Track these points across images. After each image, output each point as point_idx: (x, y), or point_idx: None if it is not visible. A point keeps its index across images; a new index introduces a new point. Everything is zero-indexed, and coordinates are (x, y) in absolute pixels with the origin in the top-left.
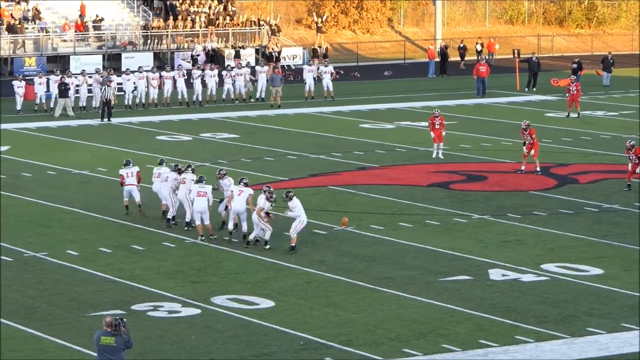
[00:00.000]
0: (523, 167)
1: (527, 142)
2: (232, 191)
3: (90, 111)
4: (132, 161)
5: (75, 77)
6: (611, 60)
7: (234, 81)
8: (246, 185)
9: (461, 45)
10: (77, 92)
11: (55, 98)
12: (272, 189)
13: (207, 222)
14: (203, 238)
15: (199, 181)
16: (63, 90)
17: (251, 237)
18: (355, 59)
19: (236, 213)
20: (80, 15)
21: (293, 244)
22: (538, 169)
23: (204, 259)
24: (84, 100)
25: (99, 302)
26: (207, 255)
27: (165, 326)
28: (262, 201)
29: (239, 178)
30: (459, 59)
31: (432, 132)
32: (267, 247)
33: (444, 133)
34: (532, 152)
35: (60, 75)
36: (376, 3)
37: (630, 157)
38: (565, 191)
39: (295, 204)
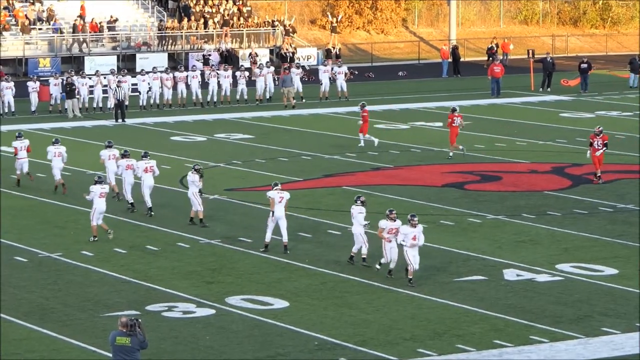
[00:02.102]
0: (451, 154)
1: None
2: (272, 198)
3: (106, 112)
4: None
5: (90, 78)
6: (639, 62)
7: (256, 82)
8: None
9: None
10: (91, 92)
11: (56, 99)
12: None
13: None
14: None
15: (98, 182)
16: (69, 92)
17: (391, 265)
18: (370, 59)
19: (277, 219)
20: (80, 16)
21: (411, 276)
22: (451, 154)
23: (218, 259)
24: (99, 100)
25: (113, 303)
26: (221, 256)
27: (180, 326)
28: (382, 222)
29: (272, 183)
30: (472, 59)
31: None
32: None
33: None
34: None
35: (67, 76)
36: (390, 3)
37: (596, 143)
38: (580, 191)
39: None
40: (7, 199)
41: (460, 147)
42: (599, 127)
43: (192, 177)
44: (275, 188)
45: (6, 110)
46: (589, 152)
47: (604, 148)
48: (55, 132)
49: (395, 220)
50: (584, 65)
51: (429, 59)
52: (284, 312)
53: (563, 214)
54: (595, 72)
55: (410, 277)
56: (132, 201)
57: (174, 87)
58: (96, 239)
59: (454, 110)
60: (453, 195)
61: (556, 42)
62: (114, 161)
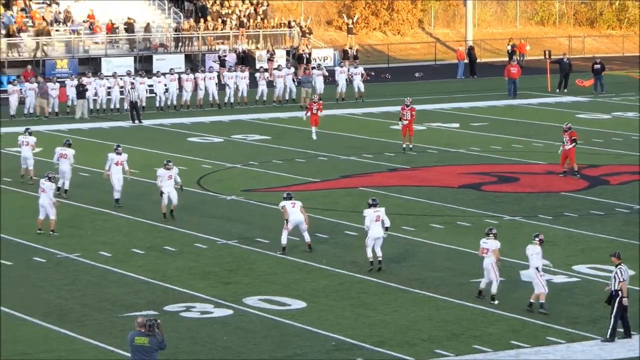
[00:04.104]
0: (404, 145)
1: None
2: (284, 206)
3: (123, 113)
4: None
5: (107, 79)
6: None
7: (275, 83)
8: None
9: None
10: (108, 94)
11: (73, 100)
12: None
13: (52, 217)
14: (41, 231)
15: (48, 179)
16: (81, 92)
17: (493, 290)
18: (386, 60)
19: (295, 224)
20: (88, 21)
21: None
22: (405, 145)
23: (235, 260)
24: (116, 102)
25: (131, 303)
26: (238, 257)
27: (197, 327)
28: (492, 243)
29: (284, 194)
30: (488, 60)
31: (309, 114)
32: (496, 302)
33: (321, 114)
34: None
35: (78, 77)
36: (407, 4)
37: (564, 140)
38: (597, 192)
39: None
40: (24, 199)
41: (411, 145)
42: (567, 124)
43: (159, 172)
44: (290, 198)
45: (28, 111)
46: (561, 148)
47: (574, 144)
48: (73, 134)
49: (488, 239)
50: (597, 66)
51: (445, 60)
52: (302, 313)
53: (579, 215)
54: (612, 73)
55: (542, 301)
56: (59, 186)
57: (195, 89)
58: (41, 232)
59: (410, 105)
60: (470, 196)
61: (573, 43)
62: (29, 148)
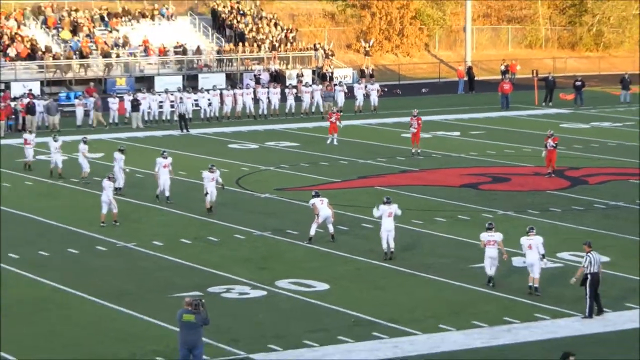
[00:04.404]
0: (413, 150)
1: (413, 129)
2: (314, 203)
3: (173, 123)
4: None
5: (159, 95)
6: (628, 80)
7: (302, 98)
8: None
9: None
10: (160, 107)
11: (129, 113)
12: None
13: (115, 210)
14: (104, 224)
15: (108, 179)
16: (135, 106)
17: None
18: (397, 78)
19: (324, 218)
20: (144, 48)
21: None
22: (413, 150)
23: (269, 249)
24: (167, 114)
25: (180, 285)
26: (272, 246)
27: (236, 306)
28: (498, 235)
29: (313, 192)
30: (484, 77)
31: (329, 123)
32: (491, 284)
33: (340, 124)
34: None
35: (134, 93)
36: (415, 30)
37: (547, 145)
38: (577, 191)
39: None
40: (92, 198)
41: (419, 150)
42: (550, 131)
43: (204, 174)
44: (318, 196)
45: (90, 122)
46: (544, 152)
47: (555, 146)
48: (130, 141)
49: (492, 232)
50: (578, 83)
51: (448, 78)
52: (326, 294)
53: (563, 210)
54: (590, 89)
55: (537, 285)
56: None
57: (234, 103)
58: (103, 224)
59: (414, 116)
60: (469, 194)
61: (556, 63)
62: (82, 155)
